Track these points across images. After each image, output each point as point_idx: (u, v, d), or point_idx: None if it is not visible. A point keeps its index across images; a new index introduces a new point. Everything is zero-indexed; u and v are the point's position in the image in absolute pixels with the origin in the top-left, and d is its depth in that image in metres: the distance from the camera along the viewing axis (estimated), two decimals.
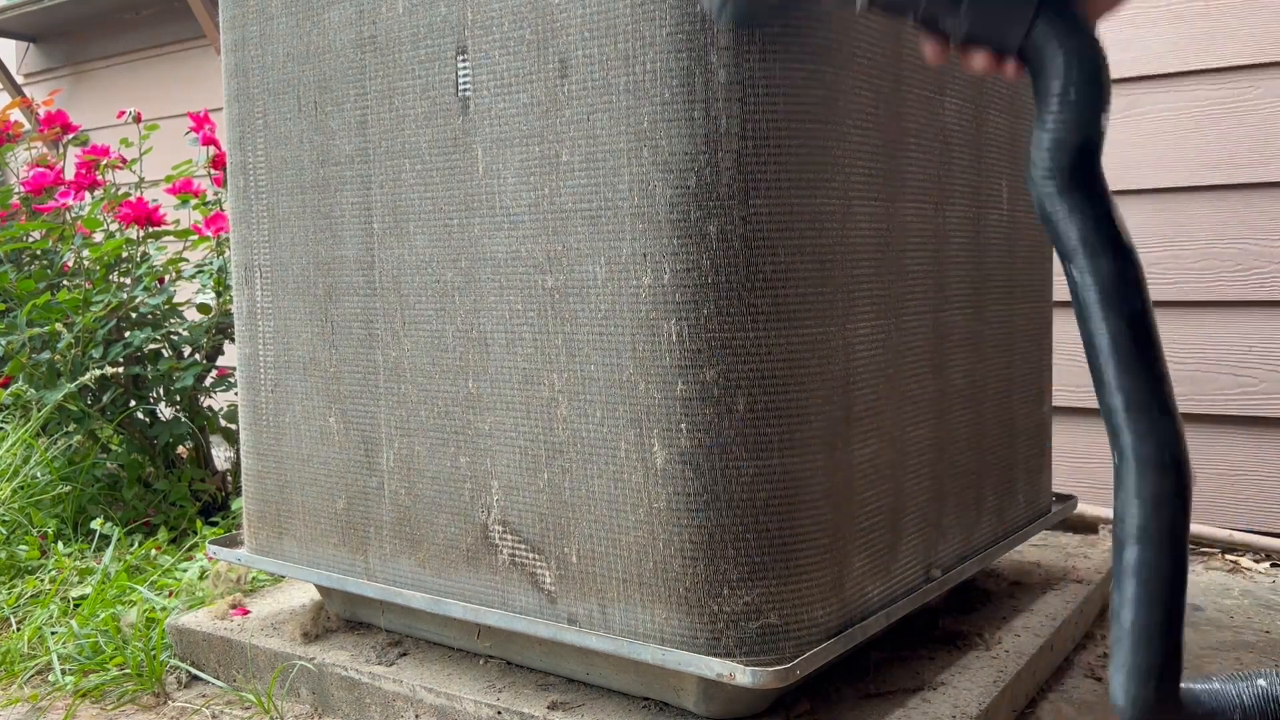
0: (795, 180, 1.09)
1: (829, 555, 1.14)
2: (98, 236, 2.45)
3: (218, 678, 1.54)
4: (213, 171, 2.48)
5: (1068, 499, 1.76)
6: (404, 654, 1.43)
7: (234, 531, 1.69)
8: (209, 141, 2.47)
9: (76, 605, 1.84)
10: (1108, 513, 2.17)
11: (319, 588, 1.55)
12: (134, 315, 2.34)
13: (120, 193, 2.49)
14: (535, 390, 1.20)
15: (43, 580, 2.00)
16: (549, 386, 1.19)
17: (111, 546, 2.05)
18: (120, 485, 2.35)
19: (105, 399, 2.35)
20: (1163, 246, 2.18)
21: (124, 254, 2.38)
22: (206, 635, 1.55)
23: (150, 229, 2.37)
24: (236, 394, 1.59)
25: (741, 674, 1.07)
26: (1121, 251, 0.77)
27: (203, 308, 2.43)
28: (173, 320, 2.41)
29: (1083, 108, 0.79)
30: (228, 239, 2.37)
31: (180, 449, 2.49)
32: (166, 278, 2.44)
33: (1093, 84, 0.79)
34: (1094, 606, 1.68)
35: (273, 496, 1.50)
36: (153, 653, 1.58)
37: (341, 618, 1.55)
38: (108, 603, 1.80)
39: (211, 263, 2.43)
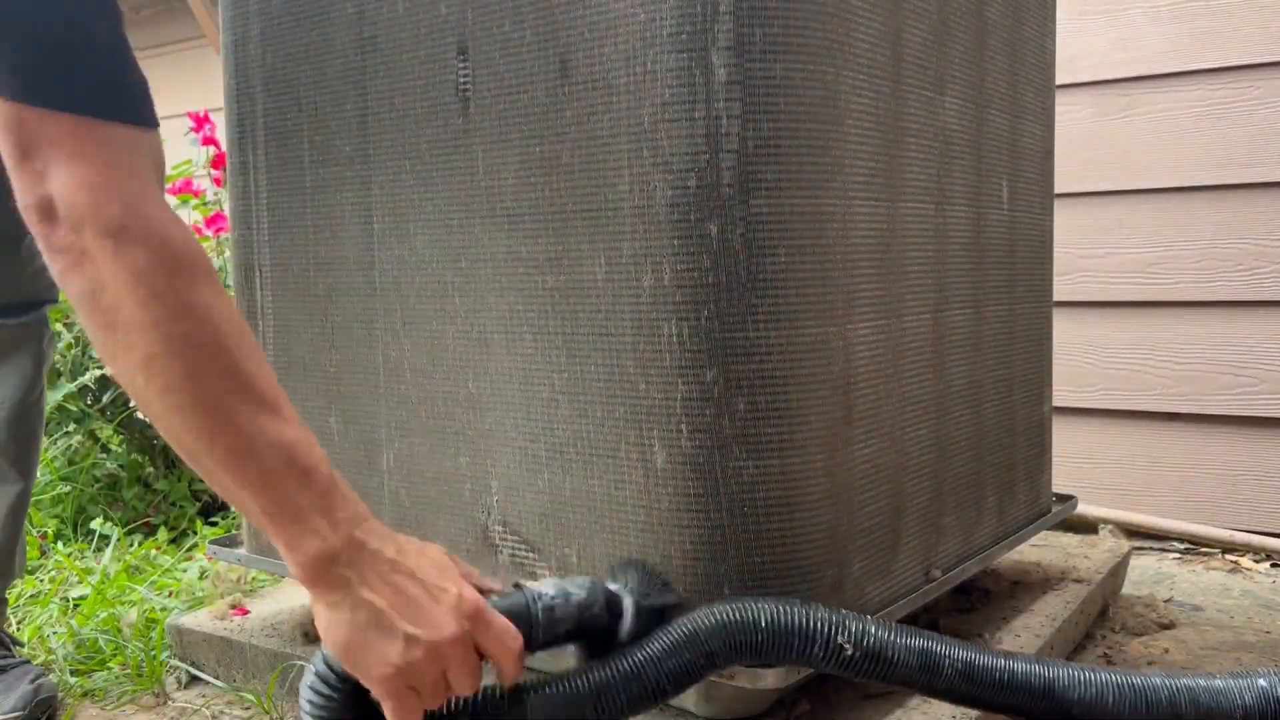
0: (795, 180, 1.09)
1: (829, 556, 1.14)
2: None
3: (217, 678, 1.54)
4: (213, 171, 2.48)
5: (1068, 499, 1.76)
6: None
7: (234, 532, 1.69)
8: (209, 141, 2.47)
9: (76, 605, 1.84)
10: (1108, 513, 2.17)
11: None
12: None
13: None
14: (535, 390, 1.20)
15: (43, 580, 2.00)
16: (549, 386, 1.19)
17: (111, 546, 2.05)
18: (120, 485, 2.36)
19: (105, 399, 2.35)
20: (1163, 246, 2.18)
21: None
22: (206, 635, 1.55)
23: None
24: None
25: (741, 674, 1.07)
26: None
27: None
28: None
29: None
30: (228, 239, 2.37)
31: None
32: None
33: None
34: (1094, 606, 1.68)
35: None
36: (153, 653, 1.58)
37: None
38: (108, 603, 1.80)
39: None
